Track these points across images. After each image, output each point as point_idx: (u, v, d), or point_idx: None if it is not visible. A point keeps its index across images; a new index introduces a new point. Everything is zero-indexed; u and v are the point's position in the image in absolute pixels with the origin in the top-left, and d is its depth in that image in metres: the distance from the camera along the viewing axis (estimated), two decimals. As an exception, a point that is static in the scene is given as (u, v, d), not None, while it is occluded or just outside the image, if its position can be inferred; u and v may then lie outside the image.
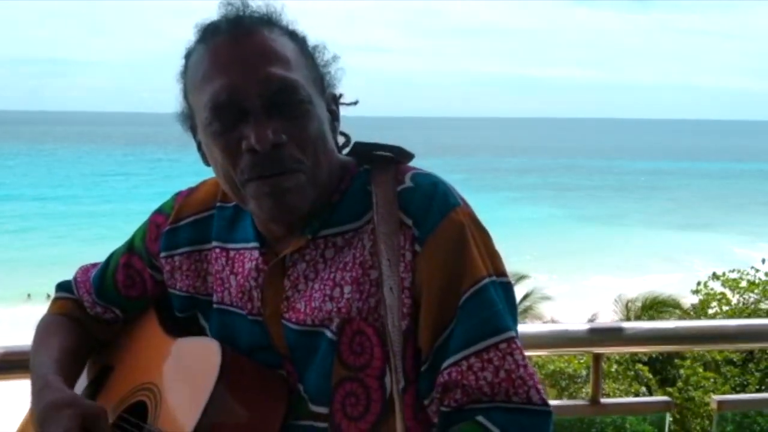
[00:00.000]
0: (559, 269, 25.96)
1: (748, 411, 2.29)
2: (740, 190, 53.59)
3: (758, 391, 8.63)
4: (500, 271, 1.08)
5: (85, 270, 1.38)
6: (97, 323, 1.34)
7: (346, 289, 1.07)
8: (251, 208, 1.09)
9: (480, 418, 1.00)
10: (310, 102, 1.05)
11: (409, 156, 1.16)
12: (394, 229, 1.06)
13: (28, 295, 21.08)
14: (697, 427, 8.22)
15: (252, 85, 1.02)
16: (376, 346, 1.05)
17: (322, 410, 1.08)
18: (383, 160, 1.14)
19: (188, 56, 1.10)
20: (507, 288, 1.08)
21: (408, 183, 1.09)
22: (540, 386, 1.04)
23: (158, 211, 1.29)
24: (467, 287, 1.04)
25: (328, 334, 1.08)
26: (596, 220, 39.08)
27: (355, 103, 1.19)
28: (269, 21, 1.08)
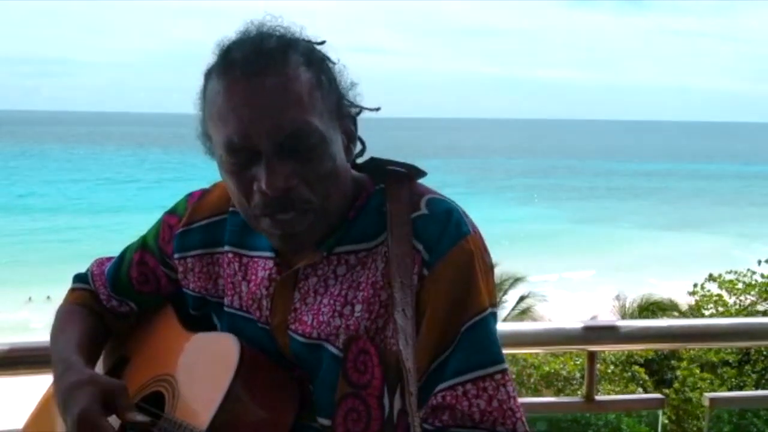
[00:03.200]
0: (556, 271, 25.97)
1: (745, 412, 2.32)
2: (736, 192, 53.66)
3: (754, 392, 8.66)
4: (495, 303, 1.12)
5: (100, 263, 1.40)
6: (112, 315, 1.36)
7: (357, 307, 1.10)
8: (266, 237, 1.13)
9: None
10: (323, 142, 1.06)
11: (422, 173, 1.18)
12: (408, 252, 1.09)
13: (29, 299, 21.08)
14: (694, 428, 8.24)
15: (264, 130, 1.03)
16: (377, 367, 1.08)
17: (326, 422, 1.11)
18: (397, 177, 1.16)
19: (207, 77, 1.10)
20: (496, 318, 1.13)
21: (423, 210, 1.12)
22: (524, 419, 1.09)
23: (171, 212, 1.31)
24: (470, 316, 1.07)
25: (332, 348, 1.11)
26: (592, 222, 39.10)
27: (377, 109, 1.19)
28: (287, 49, 1.07)
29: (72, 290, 1.40)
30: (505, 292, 14.95)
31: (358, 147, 1.19)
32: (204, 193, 1.30)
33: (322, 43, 1.14)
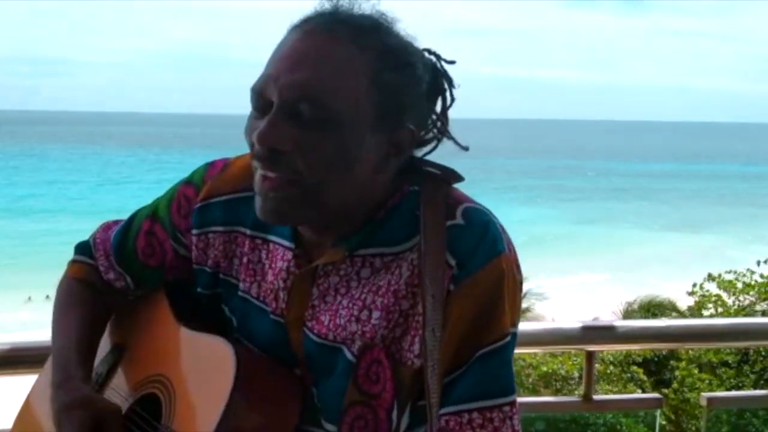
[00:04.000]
0: (555, 271, 25.97)
1: (743, 412, 2.32)
2: (736, 192, 53.68)
3: (753, 393, 8.66)
4: (517, 322, 1.08)
5: (106, 228, 1.33)
6: (108, 290, 1.31)
7: (375, 314, 1.05)
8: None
9: None
10: (338, 123, 0.98)
11: (459, 178, 1.12)
12: (441, 264, 1.02)
13: (29, 298, 21.02)
14: (692, 429, 8.24)
15: (282, 84, 0.98)
16: (389, 380, 1.04)
17: (331, 428, 1.09)
18: (434, 181, 1.10)
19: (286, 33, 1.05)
20: (516, 336, 1.08)
21: (459, 219, 1.05)
22: None
23: (187, 182, 1.23)
24: (490, 341, 1.03)
25: (347, 354, 1.07)
26: (593, 222, 39.10)
27: (467, 148, 1.14)
28: (369, 31, 1.01)
29: (72, 262, 1.34)
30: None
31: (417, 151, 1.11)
32: (226, 164, 1.21)
33: (451, 62, 1.11)
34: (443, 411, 1.02)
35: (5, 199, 42.19)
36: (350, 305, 1.07)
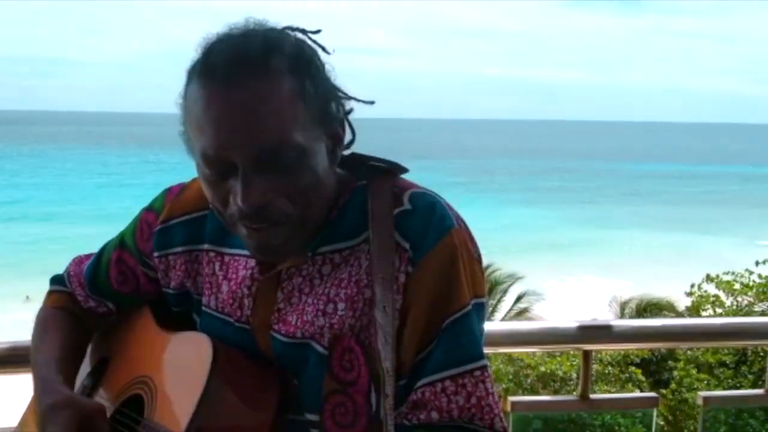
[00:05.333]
0: (554, 271, 25.97)
1: (741, 413, 2.33)
2: (734, 193, 53.70)
3: (751, 393, 8.65)
4: (480, 293, 1.11)
5: (78, 262, 1.38)
6: (91, 316, 1.35)
7: (340, 305, 1.09)
8: (242, 241, 1.10)
9: None
10: (303, 155, 1.02)
11: (404, 170, 1.17)
12: (390, 248, 1.07)
13: (27, 297, 21.00)
14: (690, 429, 8.25)
15: (240, 145, 1.00)
16: (363, 365, 1.08)
17: (313, 417, 1.11)
18: (379, 173, 1.15)
19: (189, 77, 1.06)
20: (482, 308, 1.12)
21: (406, 205, 1.10)
22: (502, 415, 1.10)
23: (148, 209, 1.29)
24: (452, 311, 1.07)
25: (318, 347, 1.10)
26: (591, 223, 39.09)
27: (372, 102, 1.18)
28: (269, 51, 1.02)
29: (49, 293, 1.38)
30: (504, 292, 14.97)
31: (347, 139, 1.15)
32: (183, 188, 1.27)
33: (317, 32, 1.10)
34: (418, 384, 1.06)
35: (4, 199, 42.06)
36: (315, 301, 1.11)
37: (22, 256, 27.97)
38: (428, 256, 1.07)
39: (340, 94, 1.12)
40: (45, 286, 1.43)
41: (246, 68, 1.01)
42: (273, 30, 1.07)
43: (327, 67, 1.10)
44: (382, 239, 1.08)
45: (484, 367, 1.08)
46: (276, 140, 1.00)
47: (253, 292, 1.16)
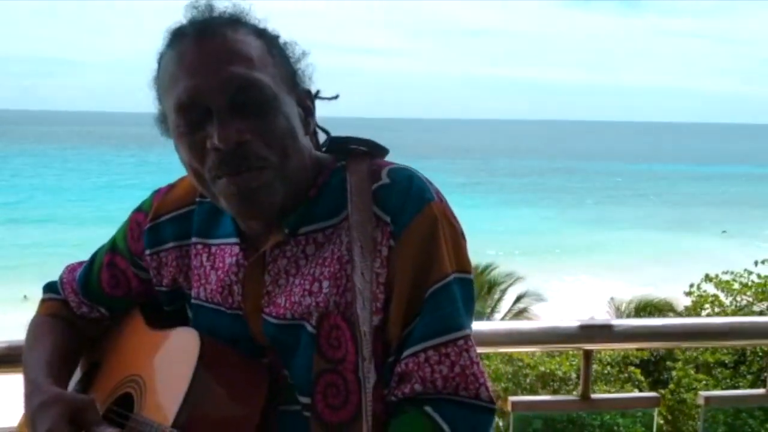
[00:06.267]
0: (553, 271, 25.98)
1: (739, 413, 2.33)
2: (733, 193, 53.76)
3: (750, 393, 8.66)
4: (463, 268, 1.11)
5: (71, 269, 1.40)
6: (85, 322, 1.36)
7: (325, 284, 1.11)
8: (223, 206, 1.11)
9: (428, 409, 1.05)
10: (275, 99, 1.06)
11: (384, 151, 1.18)
12: (368, 219, 1.09)
13: (24, 297, 21.00)
14: (689, 429, 8.26)
15: (214, 85, 1.03)
16: (349, 341, 1.08)
17: (305, 400, 1.11)
18: (359, 155, 1.16)
19: (160, 61, 1.11)
20: (467, 284, 1.12)
21: (384, 179, 1.12)
22: (489, 384, 1.09)
23: (138, 210, 1.31)
24: (433, 282, 1.07)
25: (309, 327, 1.11)
26: (590, 223, 39.12)
27: (336, 97, 1.20)
28: (236, 21, 1.09)
29: (43, 301, 1.39)
30: (503, 292, 14.98)
31: (322, 137, 1.19)
32: (170, 187, 1.30)
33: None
34: (403, 356, 1.07)
35: (3, 200, 42.04)
36: (302, 282, 1.12)
37: (22, 256, 27.97)
38: (409, 228, 1.08)
39: (300, 78, 1.15)
40: (42, 271, 1.43)
41: (215, 27, 1.07)
42: (238, 7, 1.13)
43: (300, 53, 1.16)
44: (361, 213, 1.09)
45: (467, 337, 1.08)
46: (248, 79, 1.04)
47: (241, 278, 1.17)
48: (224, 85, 1.03)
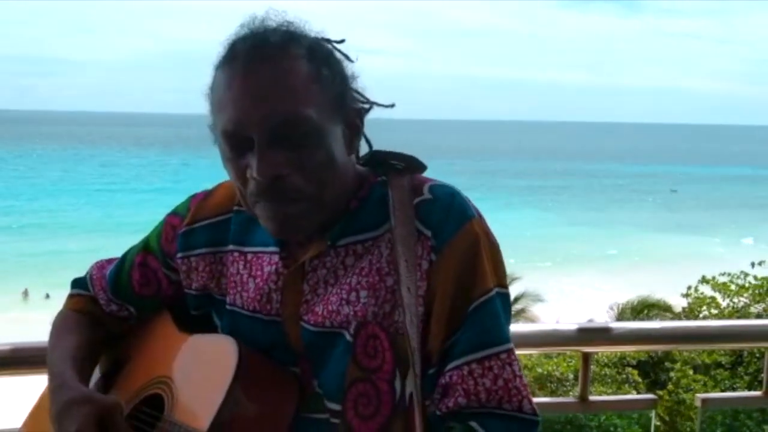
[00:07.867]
0: (551, 272, 26.01)
1: (737, 414, 2.34)
2: (731, 194, 53.81)
3: (747, 394, 8.68)
4: (503, 284, 1.14)
5: (100, 267, 1.40)
6: (112, 319, 1.37)
7: (362, 293, 1.12)
8: (262, 224, 1.14)
9: (473, 424, 1.06)
10: (316, 131, 1.07)
11: (423, 167, 1.20)
12: (411, 233, 1.10)
13: (25, 293, 20.96)
14: (687, 430, 8.27)
15: (256, 118, 1.05)
16: (388, 351, 1.09)
17: (336, 407, 1.12)
18: (399, 170, 1.18)
19: (215, 70, 1.13)
20: (507, 298, 1.14)
21: (426, 194, 1.14)
22: (531, 397, 1.10)
23: (173, 213, 1.33)
24: (477, 297, 1.09)
25: (347, 336, 1.12)
26: (588, 224, 39.19)
27: (392, 105, 1.22)
28: (289, 41, 1.09)
29: (70, 296, 1.40)
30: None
31: (365, 147, 1.20)
32: (207, 194, 1.31)
33: (341, 41, 1.16)
34: (447, 368, 1.08)
35: (2, 200, 41.93)
36: (339, 291, 1.14)
37: (21, 256, 27.98)
38: (450, 243, 1.10)
39: (358, 95, 1.16)
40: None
41: (265, 53, 1.07)
42: (293, 24, 1.13)
43: (349, 70, 1.16)
44: (404, 225, 1.11)
45: (510, 350, 1.10)
46: (290, 114, 1.05)
47: (280, 286, 1.18)
48: (266, 120, 1.05)
